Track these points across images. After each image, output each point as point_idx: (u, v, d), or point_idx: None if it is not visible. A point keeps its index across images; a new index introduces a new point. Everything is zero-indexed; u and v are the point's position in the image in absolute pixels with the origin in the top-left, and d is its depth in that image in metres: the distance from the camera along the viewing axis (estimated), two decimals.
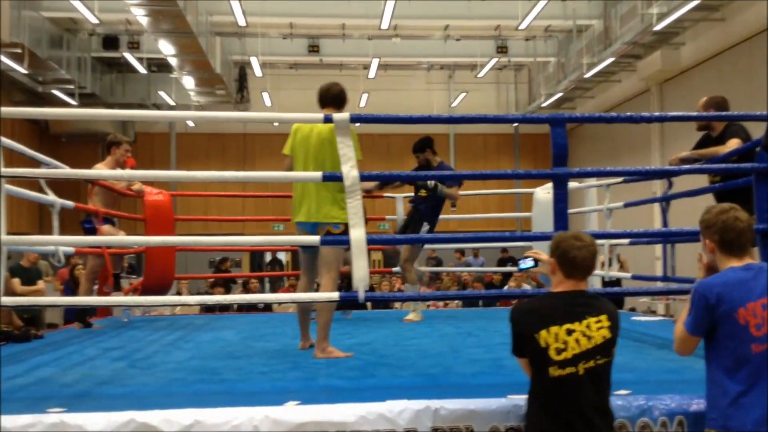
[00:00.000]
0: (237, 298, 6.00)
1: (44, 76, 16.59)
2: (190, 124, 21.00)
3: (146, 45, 16.65)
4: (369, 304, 8.34)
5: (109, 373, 3.98)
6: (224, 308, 9.53)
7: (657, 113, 5.74)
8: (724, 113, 4.98)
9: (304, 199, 4.49)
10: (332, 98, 4.64)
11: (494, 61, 18.69)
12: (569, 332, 2.56)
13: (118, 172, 6.03)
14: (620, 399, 2.92)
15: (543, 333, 2.56)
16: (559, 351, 2.55)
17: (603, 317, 2.61)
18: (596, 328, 2.58)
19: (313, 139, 4.46)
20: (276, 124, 19.45)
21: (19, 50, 13.86)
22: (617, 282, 8.14)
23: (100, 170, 5.95)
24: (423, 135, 6.83)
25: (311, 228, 4.46)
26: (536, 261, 2.95)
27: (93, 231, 5.89)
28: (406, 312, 6.91)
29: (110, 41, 17.06)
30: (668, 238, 5.65)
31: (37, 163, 4.86)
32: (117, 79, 19.76)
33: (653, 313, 11.85)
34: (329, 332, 4.43)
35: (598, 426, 2.55)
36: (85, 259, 6.92)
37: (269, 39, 17.77)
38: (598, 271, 6.60)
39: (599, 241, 4.61)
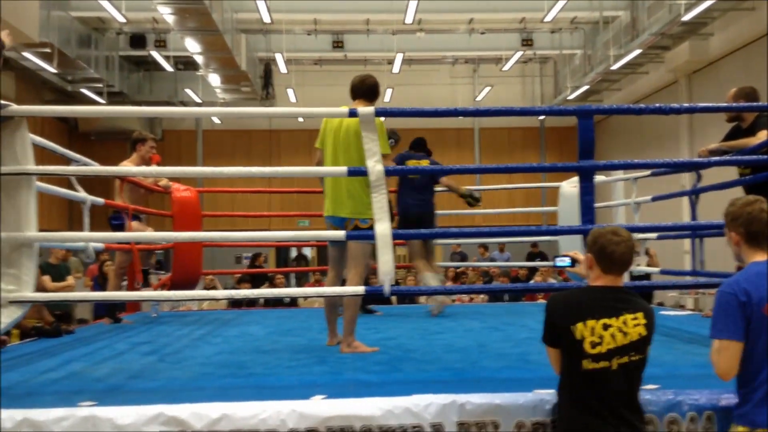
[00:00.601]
0: (264, 292, 6.04)
1: (73, 75, 16.84)
2: (216, 121, 21.15)
3: (173, 43, 16.79)
4: (394, 298, 8.37)
5: (138, 367, 4.03)
6: (251, 303, 9.60)
7: (686, 104, 5.62)
8: (754, 104, 4.91)
9: (333, 194, 4.49)
10: (365, 91, 4.54)
11: (519, 54, 18.55)
12: (605, 327, 2.56)
13: (147, 168, 6.10)
14: (648, 393, 2.90)
15: (579, 325, 2.56)
16: (594, 345, 2.55)
17: (640, 315, 2.60)
18: (633, 325, 2.58)
19: (342, 132, 4.45)
20: (301, 120, 19.56)
21: (48, 50, 14.07)
22: (646, 276, 8.05)
23: (129, 167, 6.02)
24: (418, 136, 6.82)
25: (339, 222, 4.47)
26: (573, 261, 2.94)
27: (120, 227, 5.96)
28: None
29: (137, 40, 17.23)
30: (697, 231, 5.57)
31: (67, 161, 4.93)
32: (144, 77, 19.97)
33: (682, 307, 11.70)
34: (355, 327, 4.45)
35: (628, 419, 2.55)
36: (114, 256, 7.01)
37: (294, 35, 17.83)
38: None
39: None
